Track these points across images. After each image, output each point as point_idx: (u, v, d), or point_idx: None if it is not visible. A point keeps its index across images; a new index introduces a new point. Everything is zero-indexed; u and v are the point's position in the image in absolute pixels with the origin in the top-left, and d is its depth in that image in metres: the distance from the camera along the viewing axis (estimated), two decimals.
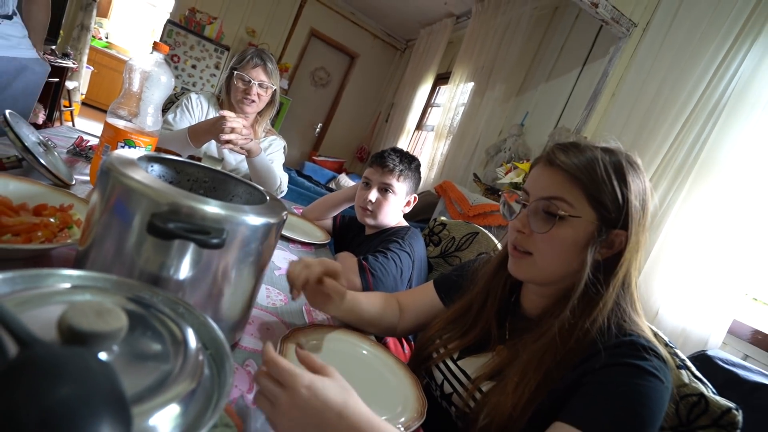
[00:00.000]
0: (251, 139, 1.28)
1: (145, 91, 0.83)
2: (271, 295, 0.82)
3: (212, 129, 1.21)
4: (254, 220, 0.52)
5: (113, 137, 0.80)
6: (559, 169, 0.63)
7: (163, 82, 0.84)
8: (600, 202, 0.61)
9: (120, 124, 0.82)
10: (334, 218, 1.47)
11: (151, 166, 0.62)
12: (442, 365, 0.74)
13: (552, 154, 0.65)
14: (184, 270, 0.49)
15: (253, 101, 1.42)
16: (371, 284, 0.98)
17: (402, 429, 0.49)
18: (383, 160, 1.21)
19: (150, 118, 0.86)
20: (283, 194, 1.56)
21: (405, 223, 1.31)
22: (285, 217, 0.60)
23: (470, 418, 0.63)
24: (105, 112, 0.87)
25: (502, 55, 3.14)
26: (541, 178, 0.65)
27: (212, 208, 0.47)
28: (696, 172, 1.64)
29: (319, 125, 5.66)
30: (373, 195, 1.22)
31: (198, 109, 1.46)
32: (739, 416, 0.61)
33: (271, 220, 0.55)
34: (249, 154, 1.36)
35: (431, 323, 0.80)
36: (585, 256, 0.60)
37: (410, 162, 1.24)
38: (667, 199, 1.70)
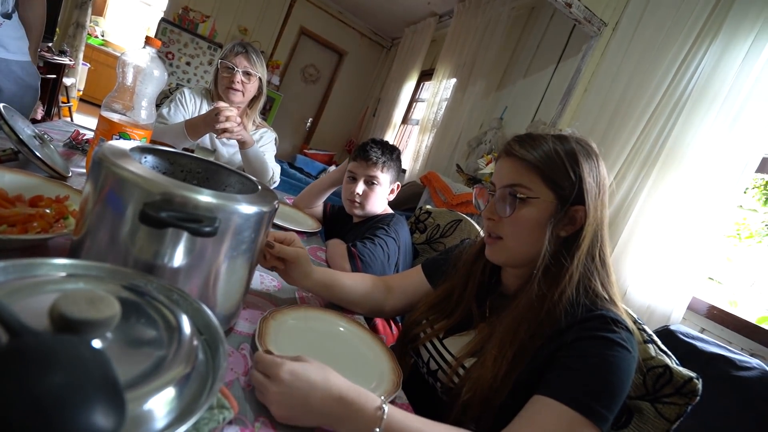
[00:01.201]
0: (243, 128, 1.25)
1: (139, 85, 0.79)
2: (265, 281, 0.80)
3: (208, 120, 1.18)
4: (246, 208, 0.51)
5: (108, 130, 0.77)
6: (516, 159, 0.65)
7: (156, 76, 0.81)
8: (555, 182, 0.63)
9: (114, 117, 0.79)
10: (324, 207, 1.45)
11: (144, 157, 0.59)
12: (428, 344, 0.74)
13: (509, 146, 0.68)
14: (179, 258, 0.47)
15: (239, 90, 1.37)
16: (360, 269, 0.97)
17: (383, 398, 0.49)
18: (366, 154, 1.19)
19: (144, 112, 0.82)
20: (275, 185, 1.53)
21: (390, 211, 1.31)
22: (276, 206, 0.58)
23: (454, 392, 0.64)
24: None
25: (482, 52, 3.12)
26: (502, 169, 0.68)
27: (204, 197, 0.46)
28: (661, 162, 1.66)
29: (310, 120, 5.58)
30: (360, 188, 1.21)
31: (192, 104, 1.41)
32: (699, 385, 0.62)
33: (263, 209, 0.53)
34: (242, 146, 1.32)
35: (417, 305, 0.80)
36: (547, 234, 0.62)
37: (391, 152, 1.23)
38: (635, 186, 1.72)
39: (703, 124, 1.60)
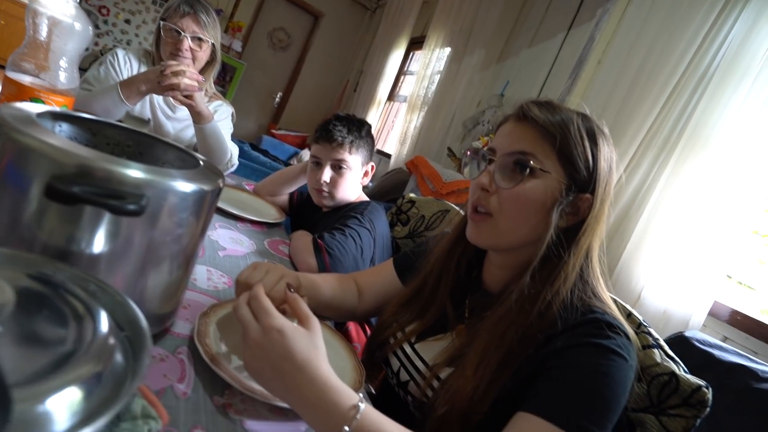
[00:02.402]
0: (201, 90, 1.22)
1: (55, 41, 0.77)
2: (213, 278, 0.80)
3: (150, 75, 1.15)
4: (183, 186, 0.51)
5: (15, 95, 0.75)
6: (532, 125, 0.64)
7: (78, 30, 0.79)
8: (570, 161, 0.63)
9: (25, 79, 0.77)
10: (291, 195, 1.45)
11: (59, 125, 0.58)
12: (399, 351, 0.74)
13: (526, 108, 0.66)
14: (99, 244, 0.47)
15: (186, 58, 1.34)
16: (328, 265, 0.97)
17: (361, 395, 0.50)
18: (329, 134, 1.18)
19: (63, 74, 0.80)
20: (233, 168, 1.52)
21: (365, 198, 1.31)
22: (221, 185, 0.58)
23: (428, 407, 0.64)
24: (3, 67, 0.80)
25: (482, 16, 3.14)
26: (511, 134, 0.67)
27: (131, 171, 0.45)
28: (681, 147, 1.69)
29: (279, 94, 5.53)
30: (327, 174, 1.20)
31: (126, 68, 1.38)
32: (709, 394, 0.65)
33: (205, 187, 0.53)
34: (198, 119, 1.30)
35: (389, 305, 0.81)
36: (550, 219, 0.63)
37: (360, 128, 1.22)
38: (651, 175, 1.75)
39: (731, 103, 1.63)
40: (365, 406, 0.48)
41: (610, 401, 0.54)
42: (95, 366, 0.32)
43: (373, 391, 0.86)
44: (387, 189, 2.97)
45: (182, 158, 0.66)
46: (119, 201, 0.42)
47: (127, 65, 1.39)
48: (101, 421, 0.29)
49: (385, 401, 0.84)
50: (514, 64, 2.98)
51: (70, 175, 0.42)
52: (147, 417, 0.42)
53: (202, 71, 1.44)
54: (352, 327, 1.21)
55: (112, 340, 0.36)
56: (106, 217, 0.46)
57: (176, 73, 1.14)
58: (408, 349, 0.74)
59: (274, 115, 5.59)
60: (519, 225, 0.65)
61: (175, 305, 0.59)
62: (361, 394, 0.50)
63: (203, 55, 1.39)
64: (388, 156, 3.88)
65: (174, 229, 0.51)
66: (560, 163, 0.63)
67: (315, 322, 0.55)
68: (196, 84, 1.18)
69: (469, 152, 0.74)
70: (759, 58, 1.61)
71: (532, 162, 0.63)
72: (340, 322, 1.01)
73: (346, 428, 0.46)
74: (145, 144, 0.66)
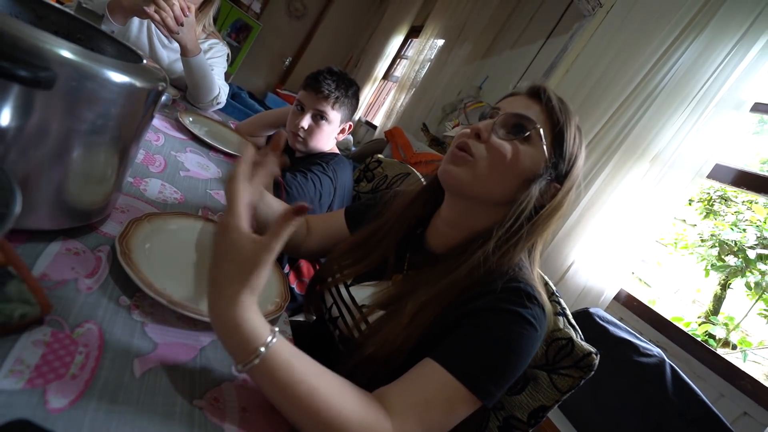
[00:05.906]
0: (183, 24, 1.07)
1: None
2: (165, 191, 0.70)
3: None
4: (112, 75, 0.41)
5: None
6: (544, 102, 0.58)
7: None
8: (560, 149, 0.58)
9: None
10: (269, 138, 1.34)
11: None
12: (334, 289, 0.68)
13: (541, 88, 0.60)
14: (5, 117, 0.37)
15: None
16: (284, 202, 0.88)
17: (278, 329, 0.41)
18: (318, 85, 1.05)
19: None
20: (219, 106, 1.39)
21: (337, 151, 1.21)
22: (161, 88, 0.48)
23: (354, 344, 0.58)
24: None
25: (475, 15, 2.98)
26: (521, 103, 0.60)
27: (45, 43, 0.35)
28: (620, 155, 1.65)
29: (289, 59, 5.22)
30: (306, 121, 1.08)
31: None
32: (596, 360, 0.61)
33: (137, 83, 0.43)
34: (184, 52, 1.16)
35: (334, 249, 0.74)
36: (524, 191, 0.57)
37: (347, 88, 1.10)
38: (591, 173, 1.71)
39: (668, 124, 1.58)
40: (278, 339, 0.40)
41: (512, 365, 0.49)
42: None
43: (313, 318, 0.80)
44: (366, 154, 2.86)
45: (132, 60, 0.55)
46: (10, 64, 0.32)
47: None
48: None
49: (317, 332, 0.78)
50: (495, 62, 2.85)
51: None
52: (22, 302, 0.34)
53: (201, 6, 1.28)
54: (304, 264, 1.15)
55: None
56: (15, 91, 0.36)
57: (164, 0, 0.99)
58: (342, 289, 0.67)
59: (282, 77, 5.30)
60: (494, 178, 0.57)
61: (103, 204, 0.50)
62: (277, 329, 0.41)
63: None
64: (375, 127, 3.74)
65: (94, 120, 0.42)
66: (552, 146, 0.57)
67: (272, 244, 0.41)
68: (181, 16, 1.03)
69: (488, 110, 0.64)
70: (698, 87, 1.55)
71: (532, 128, 0.56)
72: (285, 254, 0.94)
73: (262, 350, 0.38)
74: (96, 39, 0.54)
